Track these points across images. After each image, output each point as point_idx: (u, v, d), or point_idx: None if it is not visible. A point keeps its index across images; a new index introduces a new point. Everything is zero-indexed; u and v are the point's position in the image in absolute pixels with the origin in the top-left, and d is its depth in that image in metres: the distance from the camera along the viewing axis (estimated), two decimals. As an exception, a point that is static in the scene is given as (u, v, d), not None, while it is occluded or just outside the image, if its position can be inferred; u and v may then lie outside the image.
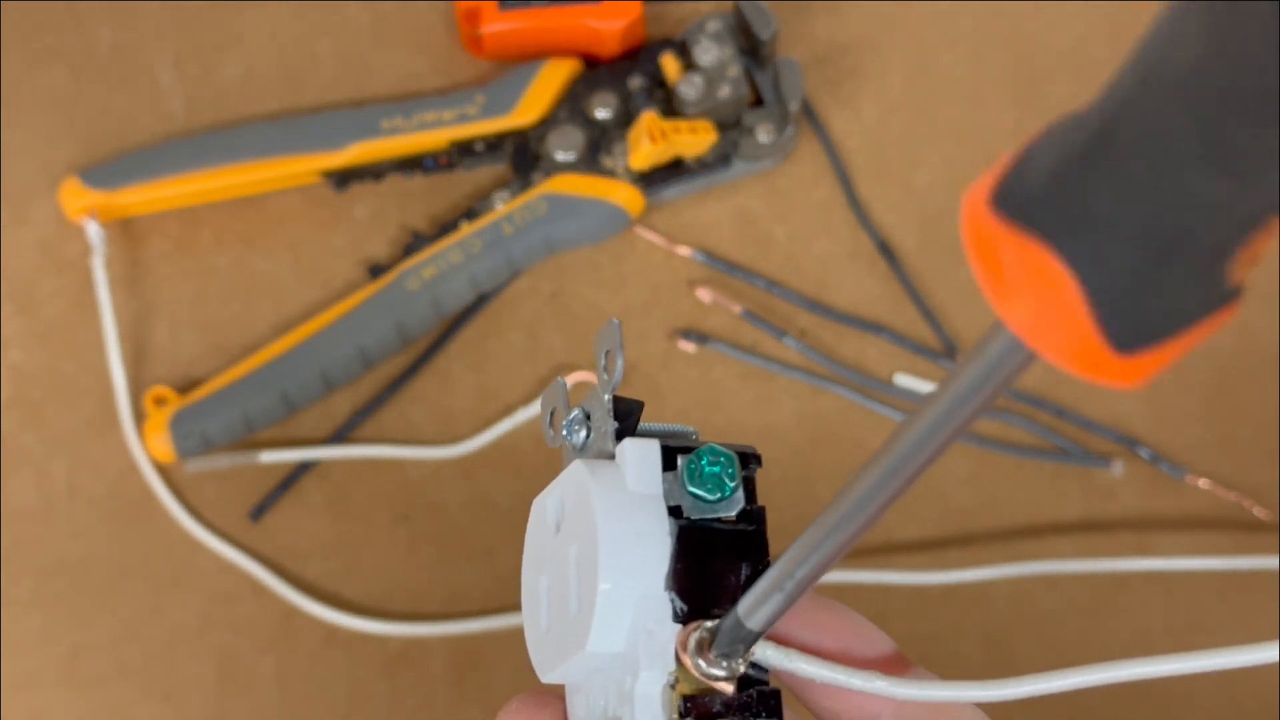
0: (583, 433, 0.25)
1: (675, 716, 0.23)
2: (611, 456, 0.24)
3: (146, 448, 0.50)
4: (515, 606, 0.49)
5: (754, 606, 0.22)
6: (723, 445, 0.24)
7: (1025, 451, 0.51)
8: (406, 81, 0.55)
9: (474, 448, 0.51)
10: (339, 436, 0.51)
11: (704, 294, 0.53)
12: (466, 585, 0.50)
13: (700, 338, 0.52)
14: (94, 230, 0.51)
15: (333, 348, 0.50)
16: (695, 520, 0.24)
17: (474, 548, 0.50)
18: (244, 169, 0.52)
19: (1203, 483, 0.51)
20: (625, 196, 0.52)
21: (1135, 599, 0.50)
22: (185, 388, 0.51)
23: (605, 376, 0.25)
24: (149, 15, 0.56)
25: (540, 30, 0.54)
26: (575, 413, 0.26)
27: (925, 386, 0.52)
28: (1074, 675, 0.24)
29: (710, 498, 0.24)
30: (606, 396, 0.25)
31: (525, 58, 0.55)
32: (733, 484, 0.24)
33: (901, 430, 0.19)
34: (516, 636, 0.49)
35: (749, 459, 0.25)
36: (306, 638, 0.49)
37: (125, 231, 0.53)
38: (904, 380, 0.52)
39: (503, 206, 0.53)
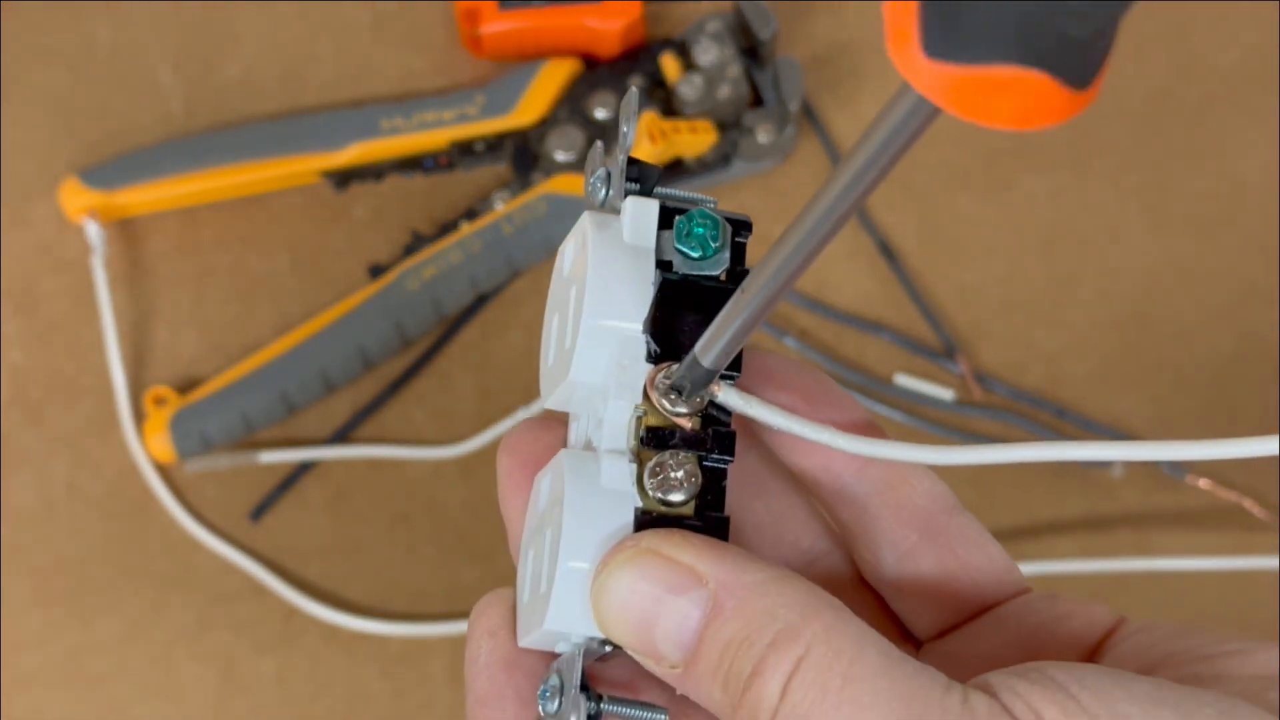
0: (603, 190, 0.27)
1: (635, 442, 0.25)
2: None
3: (146, 448, 0.50)
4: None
5: (707, 345, 0.24)
6: (717, 210, 0.26)
7: (1025, 451, 0.51)
8: (406, 81, 0.55)
9: (474, 448, 0.51)
10: (339, 436, 0.51)
11: (704, 294, 0.53)
12: (466, 585, 0.50)
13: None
14: (94, 230, 0.51)
15: (333, 348, 0.50)
16: (681, 274, 0.26)
17: (474, 548, 0.50)
18: (244, 169, 0.52)
19: (1202, 483, 0.51)
20: (625, 196, 0.52)
21: (1135, 598, 0.50)
22: (185, 388, 0.51)
23: (623, 139, 0.27)
24: (149, 15, 0.56)
25: (540, 30, 0.54)
26: (599, 171, 0.27)
27: (925, 386, 0.52)
28: (1026, 449, 0.24)
29: (694, 255, 0.26)
30: (622, 157, 0.26)
31: (525, 58, 0.55)
32: (716, 245, 0.26)
33: (832, 179, 0.20)
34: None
35: (741, 227, 0.26)
36: (307, 638, 0.49)
37: (125, 231, 0.53)
38: (904, 380, 0.52)
39: (502, 207, 0.53)
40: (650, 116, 0.52)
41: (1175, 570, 0.50)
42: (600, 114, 0.53)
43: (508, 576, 0.50)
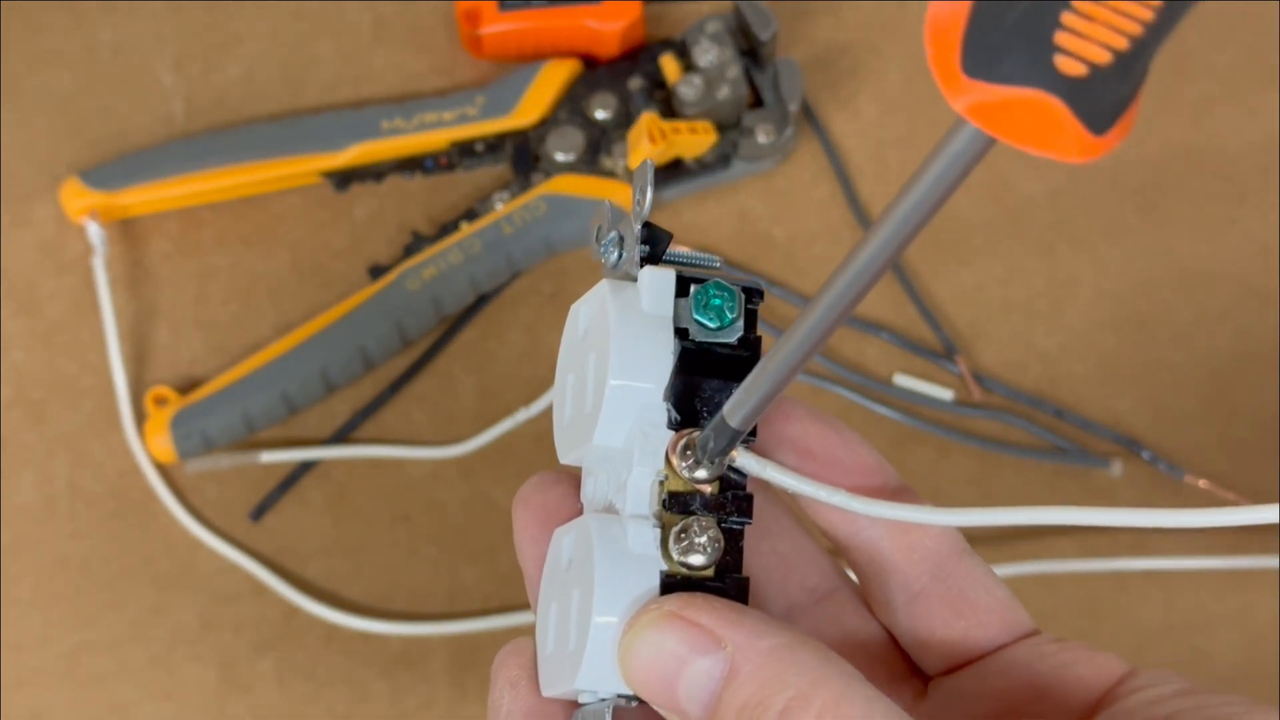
0: (615, 253, 0.28)
1: (659, 508, 0.26)
2: (635, 278, 0.28)
3: (147, 448, 0.50)
4: (515, 606, 0.49)
5: (736, 406, 0.25)
6: (729, 280, 0.27)
7: (1025, 451, 0.51)
8: (407, 82, 0.56)
9: (474, 448, 0.51)
10: (339, 436, 0.51)
11: (704, 294, 0.53)
12: (466, 585, 0.50)
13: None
14: (95, 231, 0.52)
15: (333, 348, 0.50)
16: (698, 342, 0.27)
17: (474, 548, 0.50)
18: (245, 169, 0.53)
19: (1201, 483, 0.51)
20: (625, 197, 0.53)
21: (1134, 598, 0.50)
22: (186, 388, 0.51)
23: (638, 207, 0.27)
24: (149, 16, 0.56)
25: (540, 31, 0.54)
26: (611, 235, 0.28)
27: (924, 386, 0.52)
28: (1039, 512, 0.26)
29: (711, 325, 0.27)
30: (637, 225, 0.28)
31: (525, 58, 0.55)
32: (733, 315, 0.27)
33: (881, 221, 0.21)
34: (516, 636, 0.49)
35: (754, 294, 0.27)
36: (307, 637, 0.49)
37: (126, 232, 0.53)
38: (903, 380, 0.52)
39: (502, 207, 0.53)
40: (650, 117, 0.52)
41: (1174, 569, 0.50)
42: (600, 114, 0.54)
43: (508, 576, 0.50)
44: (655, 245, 0.28)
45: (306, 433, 0.51)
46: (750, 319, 0.27)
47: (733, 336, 0.27)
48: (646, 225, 0.28)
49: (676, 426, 0.26)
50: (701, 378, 0.27)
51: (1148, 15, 0.17)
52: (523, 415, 0.51)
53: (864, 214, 0.54)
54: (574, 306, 0.29)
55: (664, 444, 0.26)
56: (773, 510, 0.30)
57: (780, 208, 0.54)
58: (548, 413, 0.51)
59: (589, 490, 0.28)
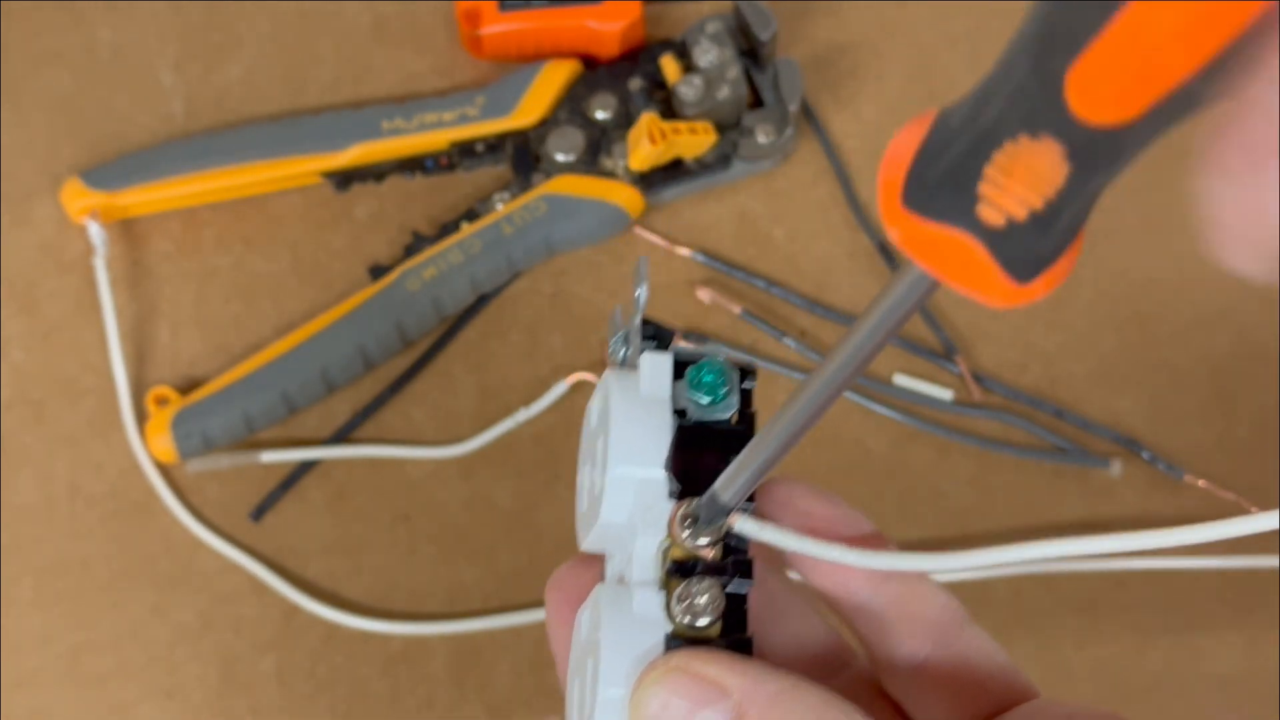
0: (623, 350, 0.30)
1: (662, 573, 0.27)
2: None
3: (148, 448, 0.50)
4: (515, 606, 0.49)
5: (726, 483, 0.27)
6: (724, 360, 0.29)
7: (1024, 451, 0.51)
8: (407, 82, 0.56)
9: (474, 448, 0.51)
10: (340, 436, 0.51)
11: (704, 294, 0.53)
12: (466, 585, 0.50)
13: (700, 338, 0.52)
14: (95, 231, 0.52)
15: (333, 348, 0.50)
16: (695, 420, 0.28)
17: (474, 548, 0.50)
18: (245, 170, 0.53)
19: (1201, 483, 0.51)
20: (625, 197, 0.53)
21: (1134, 598, 0.50)
22: (187, 388, 0.51)
23: (637, 301, 0.29)
24: (150, 16, 0.56)
25: (540, 31, 0.54)
26: (619, 334, 0.30)
27: (924, 387, 0.52)
28: (1028, 549, 0.27)
29: (704, 401, 0.28)
30: (636, 320, 0.29)
31: (525, 59, 0.55)
32: (725, 390, 0.28)
33: (844, 340, 0.22)
34: (516, 636, 0.49)
35: (747, 373, 0.29)
36: (307, 637, 0.49)
37: (127, 232, 0.53)
38: (903, 380, 0.52)
39: (503, 207, 0.53)
40: (650, 118, 0.52)
41: (1173, 569, 0.50)
42: (600, 115, 0.54)
43: (508, 576, 0.51)
44: (661, 340, 0.29)
45: (306, 433, 0.51)
46: (745, 396, 0.29)
47: (727, 413, 0.28)
48: (651, 323, 0.29)
49: (677, 497, 0.28)
50: (699, 452, 0.28)
51: (1058, 182, 0.18)
52: (523, 415, 0.51)
53: (864, 214, 0.54)
54: (589, 403, 0.31)
55: (665, 514, 0.28)
56: (786, 595, 0.31)
57: (780, 208, 0.54)
58: (548, 413, 0.51)
59: (610, 571, 0.30)
